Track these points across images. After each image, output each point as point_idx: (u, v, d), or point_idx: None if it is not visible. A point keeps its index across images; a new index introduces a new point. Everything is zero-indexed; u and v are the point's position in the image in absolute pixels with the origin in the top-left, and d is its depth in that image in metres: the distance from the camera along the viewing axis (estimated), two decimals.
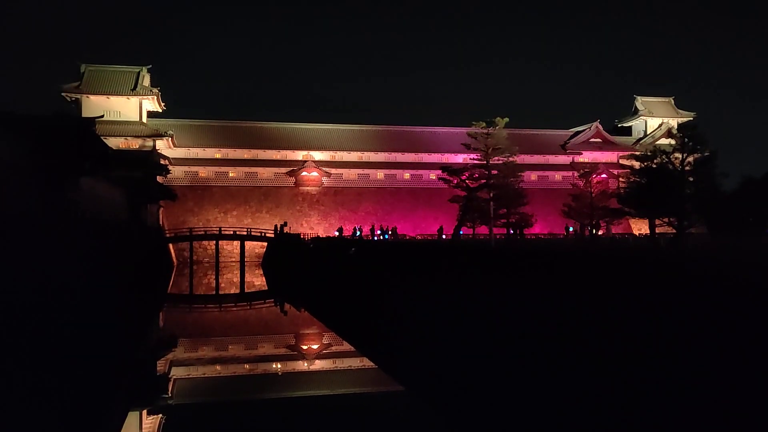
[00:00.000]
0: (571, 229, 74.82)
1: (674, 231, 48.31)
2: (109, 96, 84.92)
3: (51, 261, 37.67)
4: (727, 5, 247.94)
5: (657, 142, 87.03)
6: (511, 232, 67.85)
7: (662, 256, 18.37)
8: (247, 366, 22.42)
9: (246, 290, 54.18)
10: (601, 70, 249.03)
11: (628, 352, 15.13)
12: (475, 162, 71.27)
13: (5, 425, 14.36)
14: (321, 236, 74.79)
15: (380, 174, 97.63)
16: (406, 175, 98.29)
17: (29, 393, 17.18)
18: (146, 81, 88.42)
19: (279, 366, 22.26)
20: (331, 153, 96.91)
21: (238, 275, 67.03)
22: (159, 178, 76.56)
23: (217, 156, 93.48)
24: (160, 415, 15.76)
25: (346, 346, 26.34)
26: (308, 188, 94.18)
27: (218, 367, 21.91)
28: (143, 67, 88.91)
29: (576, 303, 18.20)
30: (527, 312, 20.45)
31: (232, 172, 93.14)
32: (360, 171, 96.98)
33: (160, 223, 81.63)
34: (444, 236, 71.76)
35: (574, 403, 15.39)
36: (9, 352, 22.31)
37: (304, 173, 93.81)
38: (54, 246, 38.84)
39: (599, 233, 70.17)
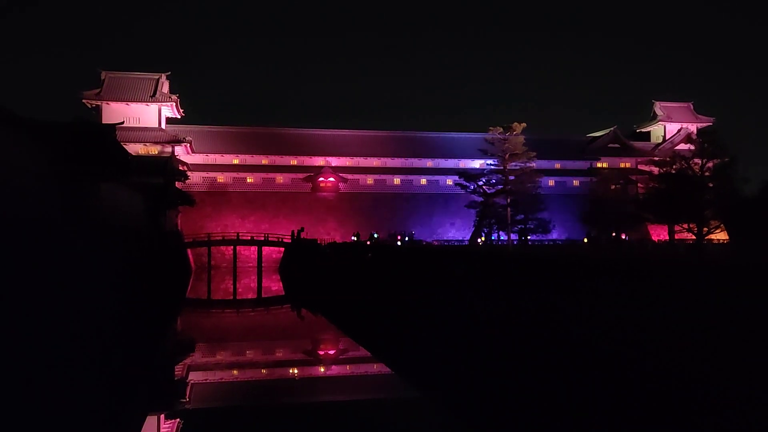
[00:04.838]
0: (592, 234, 74.18)
1: (694, 237, 47.82)
2: (128, 102, 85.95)
3: (71, 265, 38.13)
4: (747, 8, 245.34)
5: (676, 148, 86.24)
6: (522, 237, 67.46)
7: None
8: (264, 371, 22.50)
9: (263, 295, 54.32)
10: (620, 75, 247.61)
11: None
12: (492, 167, 71.14)
13: (25, 427, 14.54)
14: (338, 241, 74.92)
15: (397, 180, 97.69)
16: (423, 180, 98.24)
17: (49, 395, 17.38)
18: (165, 88, 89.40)
19: (296, 371, 22.31)
20: (348, 159, 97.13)
21: (256, 280, 67.27)
22: (177, 184, 77.26)
23: (235, 162, 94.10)
24: (178, 419, 15.87)
25: (363, 352, 26.33)
26: (325, 194, 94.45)
27: (235, 372, 22.01)
28: (162, 74, 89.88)
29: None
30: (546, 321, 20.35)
31: (250, 178, 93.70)
32: (377, 176, 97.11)
33: (179, 228, 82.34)
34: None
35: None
36: (28, 355, 22.60)
37: (321, 179, 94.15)
38: (74, 250, 39.31)
39: (622, 238, 69.51)
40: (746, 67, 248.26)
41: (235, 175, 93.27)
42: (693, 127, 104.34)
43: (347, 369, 23.35)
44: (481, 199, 69.91)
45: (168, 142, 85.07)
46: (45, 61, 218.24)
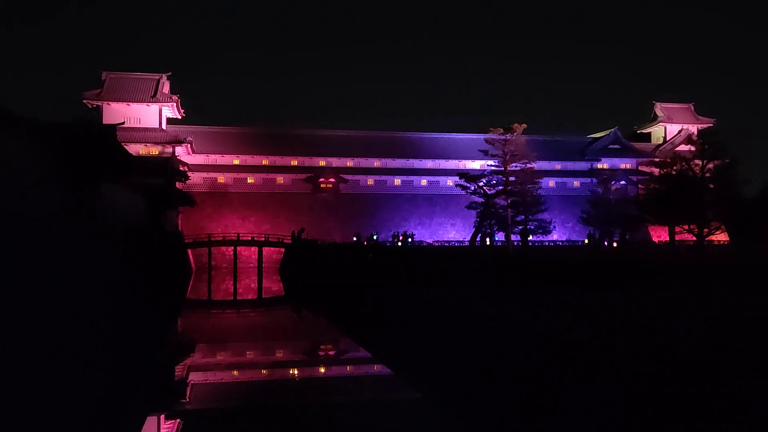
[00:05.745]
0: (595, 236, 74.12)
1: (694, 238, 47.82)
2: (129, 103, 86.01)
3: (72, 265, 38.13)
4: (747, 10, 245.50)
5: (677, 149, 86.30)
6: (523, 238, 67.30)
7: None
8: (264, 371, 22.49)
9: (264, 296, 54.29)
10: (621, 76, 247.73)
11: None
12: (493, 168, 71.08)
13: (26, 428, 14.54)
14: (338, 242, 74.91)
15: (397, 180, 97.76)
16: (423, 181, 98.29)
17: (49, 395, 17.38)
18: (166, 88, 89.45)
19: (296, 372, 22.31)
20: (349, 159, 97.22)
21: (256, 281, 67.24)
22: (178, 185, 77.32)
23: (236, 162, 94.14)
24: (178, 420, 15.86)
25: (363, 353, 26.32)
26: (326, 194, 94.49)
27: (236, 373, 22.01)
28: (163, 74, 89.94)
29: None
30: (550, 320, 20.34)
31: (251, 179, 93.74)
32: (377, 177, 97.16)
33: (179, 228, 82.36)
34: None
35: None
36: (28, 355, 22.60)
37: (321, 179, 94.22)
38: (75, 251, 39.31)
39: (627, 240, 69.35)
40: (747, 69, 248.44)
41: (235, 175, 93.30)
42: (694, 128, 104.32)
43: (347, 370, 23.35)
44: (481, 199, 69.80)
45: (169, 143, 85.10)
46: (46, 61, 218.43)
